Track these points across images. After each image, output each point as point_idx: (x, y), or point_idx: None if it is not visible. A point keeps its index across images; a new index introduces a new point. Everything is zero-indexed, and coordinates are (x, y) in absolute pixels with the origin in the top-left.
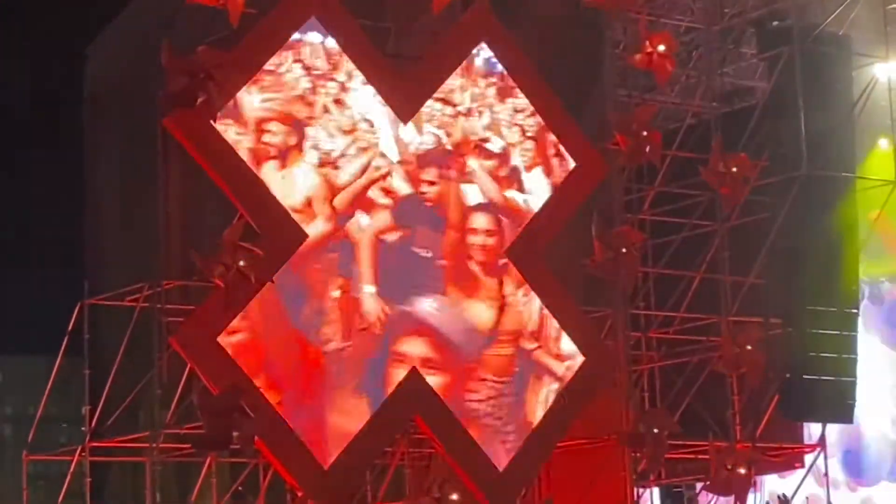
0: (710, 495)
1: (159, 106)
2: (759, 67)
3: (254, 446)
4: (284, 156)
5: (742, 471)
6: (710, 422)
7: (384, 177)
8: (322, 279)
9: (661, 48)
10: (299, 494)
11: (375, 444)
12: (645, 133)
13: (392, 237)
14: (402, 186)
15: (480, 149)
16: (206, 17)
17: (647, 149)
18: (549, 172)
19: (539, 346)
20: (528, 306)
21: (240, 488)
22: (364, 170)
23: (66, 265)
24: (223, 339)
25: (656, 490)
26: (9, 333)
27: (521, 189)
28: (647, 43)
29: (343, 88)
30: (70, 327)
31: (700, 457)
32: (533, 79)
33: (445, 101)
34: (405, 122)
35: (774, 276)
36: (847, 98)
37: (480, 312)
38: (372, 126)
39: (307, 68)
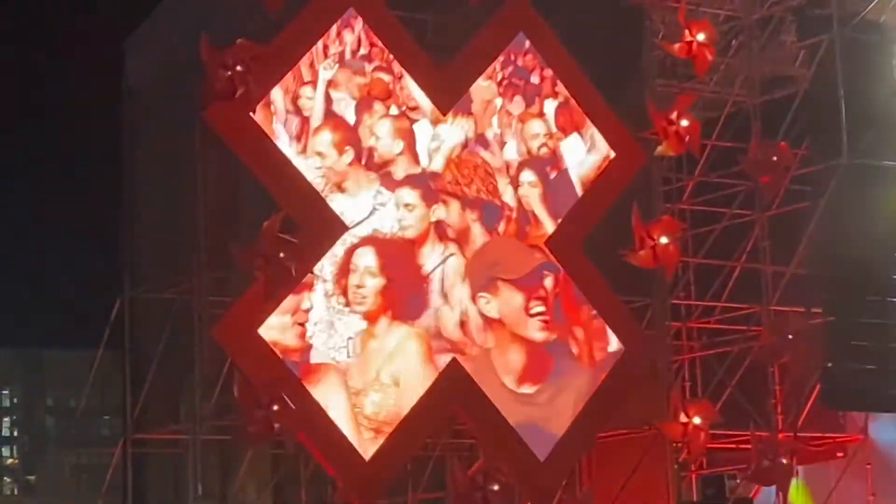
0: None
1: (198, 99)
2: (799, 55)
3: (294, 438)
4: None
5: (784, 461)
6: (752, 412)
7: None
8: None
9: (701, 37)
10: (340, 486)
11: (416, 435)
12: (684, 122)
13: None
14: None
15: None
16: (244, 10)
17: (687, 138)
18: None
19: None
20: None
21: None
22: None
23: (105, 259)
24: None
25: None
26: (49, 328)
27: None
28: (687, 32)
29: None
30: (110, 321)
31: (741, 447)
32: (571, 69)
33: None
34: (444, 114)
35: (815, 265)
36: (888, 85)
37: None
38: None
39: None
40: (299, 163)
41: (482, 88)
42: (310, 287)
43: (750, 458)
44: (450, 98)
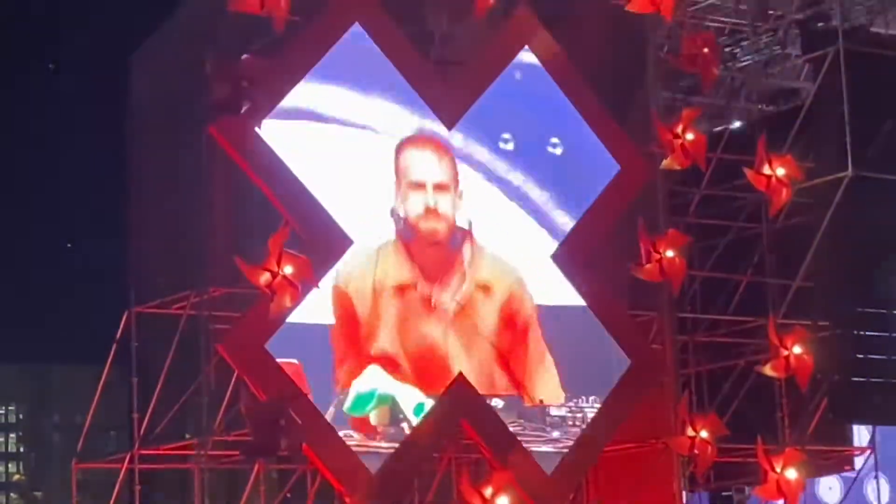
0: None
1: (204, 113)
2: (804, 68)
3: (302, 453)
4: None
5: (792, 474)
6: (759, 425)
7: None
8: None
9: (706, 50)
10: (347, 500)
11: (423, 449)
12: (690, 136)
13: None
14: None
15: None
16: (250, 25)
17: (692, 151)
18: None
19: None
20: None
21: (288, 495)
22: None
23: (112, 274)
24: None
25: (705, 494)
26: (56, 343)
27: None
28: (692, 45)
29: None
30: (118, 336)
31: (749, 460)
32: (577, 82)
33: None
34: (449, 128)
35: (821, 277)
36: (893, 98)
37: None
38: None
39: None
40: None
41: None
42: None
43: (758, 472)
44: (455, 112)
